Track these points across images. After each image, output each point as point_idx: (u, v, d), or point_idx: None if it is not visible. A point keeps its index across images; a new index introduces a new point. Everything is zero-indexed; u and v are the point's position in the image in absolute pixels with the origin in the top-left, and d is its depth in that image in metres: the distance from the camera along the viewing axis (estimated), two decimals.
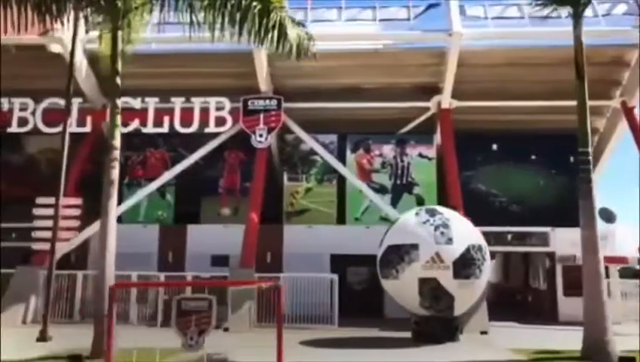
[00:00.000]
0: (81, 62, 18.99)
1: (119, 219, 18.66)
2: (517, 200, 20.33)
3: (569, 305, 18.43)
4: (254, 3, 10.04)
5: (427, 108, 20.09)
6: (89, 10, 10.88)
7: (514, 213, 20.33)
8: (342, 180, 20.82)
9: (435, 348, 12.38)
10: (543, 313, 19.24)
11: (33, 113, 19.17)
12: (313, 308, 16.21)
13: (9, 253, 21.32)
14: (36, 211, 17.46)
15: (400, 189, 20.46)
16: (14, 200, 21.70)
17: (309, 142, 19.97)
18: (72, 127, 19.11)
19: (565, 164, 20.57)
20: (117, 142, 10.92)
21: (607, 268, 16.08)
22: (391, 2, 19.73)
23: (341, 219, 20.54)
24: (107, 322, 8.14)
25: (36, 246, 17.81)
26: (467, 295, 13.11)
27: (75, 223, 18.40)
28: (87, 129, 19.29)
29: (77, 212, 18.22)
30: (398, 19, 19.14)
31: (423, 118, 20.27)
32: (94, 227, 18.22)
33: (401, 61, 19.28)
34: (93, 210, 19.99)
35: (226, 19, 10.22)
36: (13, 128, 19.24)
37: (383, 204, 19.46)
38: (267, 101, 19.32)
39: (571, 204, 20.78)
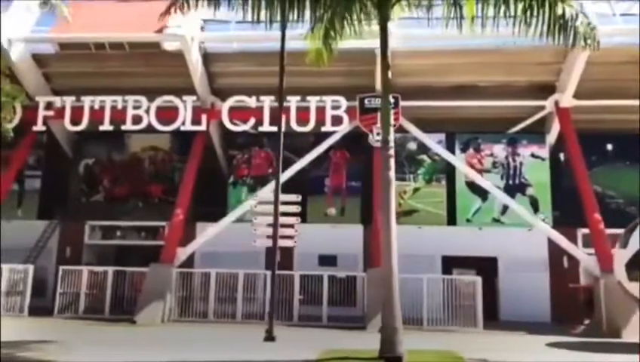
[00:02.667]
0: (197, 60, 18.87)
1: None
2: (634, 201, 19.75)
3: None
4: None
5: (541, 107, 19.65)
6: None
7: (631, 215, 19.74)
8: (451, 180, 20.47)
9: None
10: None
11: (147, 111, 19.02)
12: (452, 310, 15.88)
13: (104, 251, 21.48)
14: (257, 208, 15.23)
15: (512, 190, 19.98)
16: (117, 198, 21.83)
17: (425, 141, 19.59)
18: (187, 125, 19.21)
19: None
20: (392, 139, 10.59)
21: None
22: None
23: (451, 220, 20.19)
24: None
25: (259, 242, 14.87)
26: None
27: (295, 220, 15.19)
28: (203, 127, 19.16)
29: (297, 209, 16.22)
30: None
31: (537, 117, 19.84)
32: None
33: (521, 59, 18.88)
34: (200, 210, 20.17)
35: (503, 12, 9.91)
36: (128, 125, 19.11)
37: (516, 205, 18.92)
38: None
39: None
